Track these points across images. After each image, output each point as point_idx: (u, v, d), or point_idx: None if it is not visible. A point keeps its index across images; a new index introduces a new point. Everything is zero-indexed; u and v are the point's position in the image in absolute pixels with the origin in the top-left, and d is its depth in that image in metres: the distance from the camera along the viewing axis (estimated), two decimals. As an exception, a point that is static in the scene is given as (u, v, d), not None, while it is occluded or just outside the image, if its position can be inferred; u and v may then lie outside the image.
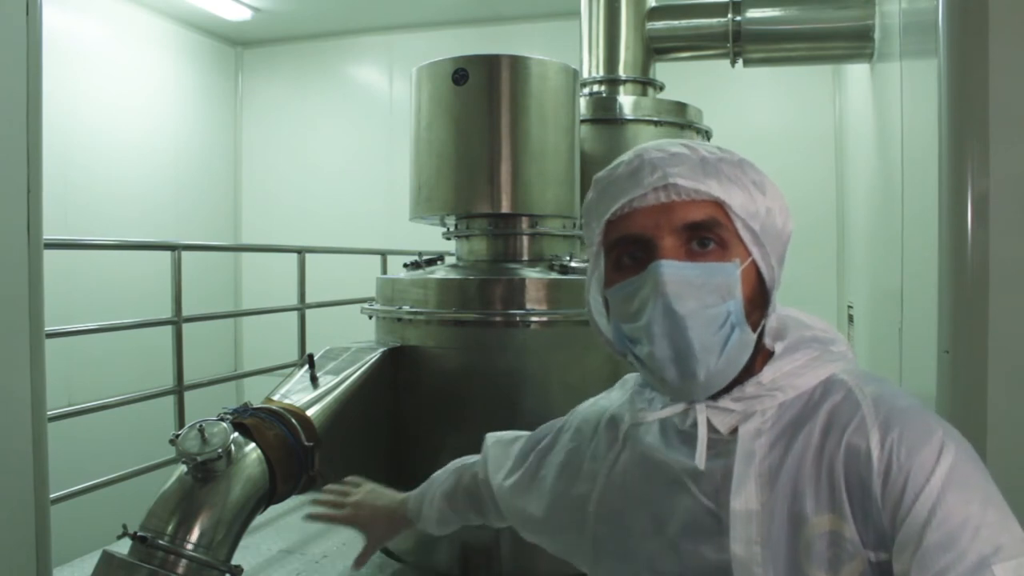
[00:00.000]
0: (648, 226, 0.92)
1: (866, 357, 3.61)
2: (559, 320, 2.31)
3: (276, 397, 2.07)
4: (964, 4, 1.89)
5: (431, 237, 3.06)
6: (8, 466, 1.81)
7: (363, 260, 4.97)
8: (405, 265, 2.65)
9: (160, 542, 1.58)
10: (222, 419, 1.80)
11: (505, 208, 2.43)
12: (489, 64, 2.44)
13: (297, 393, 2.09)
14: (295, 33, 6.72)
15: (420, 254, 2.69)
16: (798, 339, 0.97)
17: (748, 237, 0.93)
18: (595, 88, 3.45)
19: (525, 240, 2.57)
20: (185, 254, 3.17)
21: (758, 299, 0.95)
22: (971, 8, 1.87)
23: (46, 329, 1.92)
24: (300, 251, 3.97)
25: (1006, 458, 1.78)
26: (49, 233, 1.96)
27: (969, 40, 1.87)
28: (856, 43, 3.40)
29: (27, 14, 1.82)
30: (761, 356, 0.96)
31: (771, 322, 0.97)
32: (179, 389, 3.06)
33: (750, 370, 0.95)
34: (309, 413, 2.01)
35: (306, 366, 2.21)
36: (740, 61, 3.60)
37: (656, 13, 3.51)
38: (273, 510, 2.11)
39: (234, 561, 1.68)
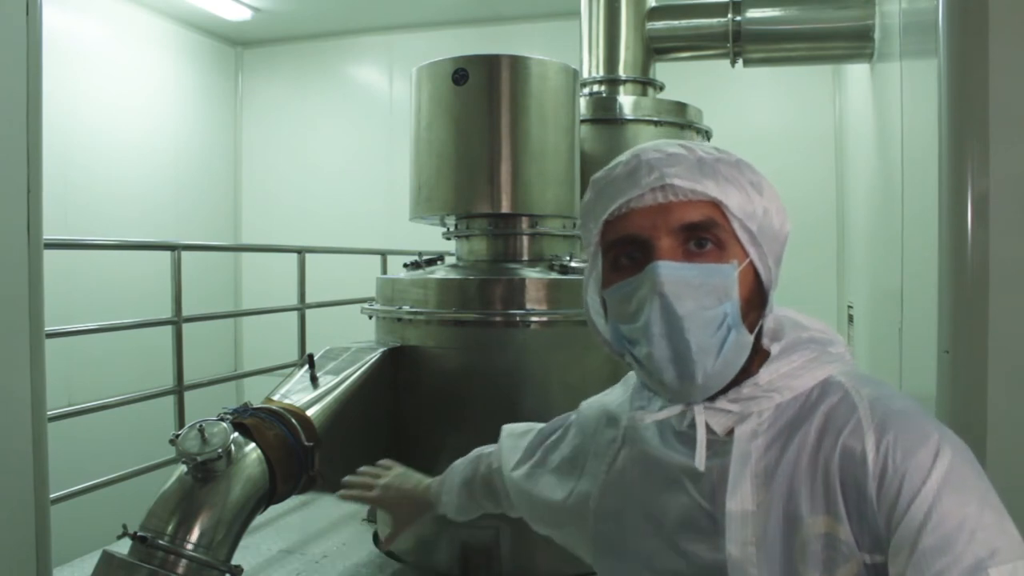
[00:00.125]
0: (645, 227, 0.92)
1: (866, 357, 3.61)
2: (559, 320, 2.31)
3: (276, 397, 2.07)
4: (964, 4, 1.89)
5: (431, 237, 3.07)
6: (8, 466, 1.81)
7: (363, 260, 4.97)
8: (405, 265, 2.65)
9: (160, 542, 1.58)
10: (222, 419, 1.80)
11: (505, 208, 2.43)
12: (489, 64, 2.44)
13: (297, 393, 2.09)
14: (295, 33, 6.72)
15: (420, 254, 2.69)
16: (795, 340, 0.97)
17: (745, 238, 0.93)
18: (595, 88, 3.45)
19: (525, 240, 2.57)
20: (185, 254, 3.17)
21: (755, 300, 0.95)
22: (971, 8, 1.87)
23: (46, 329, 1.92)
24: (300, 251, 3.97)
25: (1006, 458, 1.78)
26: (49, 233, 1.96)
27: (969, 40, 1.87)
28: (856, 43, 3.40)
29: (27, 14, 1.82)
30: (758, 357, 0.96)
31: (768, 323, 0.97)
32: (179, 389, 3.06)
33: (747, 371, 0.95)
34: (309, 413, 2.01)
35: (306, 366, 2.21)
36: (740, 61, 3.60)
37: (656, 13, 3.51)
38: (273, 510, 2.11)
39: (234, 561, 1.68)
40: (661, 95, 3.56)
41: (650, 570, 1.01)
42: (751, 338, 0.94)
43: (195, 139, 6.56)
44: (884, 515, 0.83)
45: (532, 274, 2.39)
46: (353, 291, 4.15)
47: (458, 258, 2.70)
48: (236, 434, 1.79)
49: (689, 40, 3.55)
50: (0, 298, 1.79)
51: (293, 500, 2.35)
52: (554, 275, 2.38)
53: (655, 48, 3.52)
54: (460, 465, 1.50)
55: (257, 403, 2.01)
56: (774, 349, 0.96)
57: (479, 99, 2.43)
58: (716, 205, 0.92)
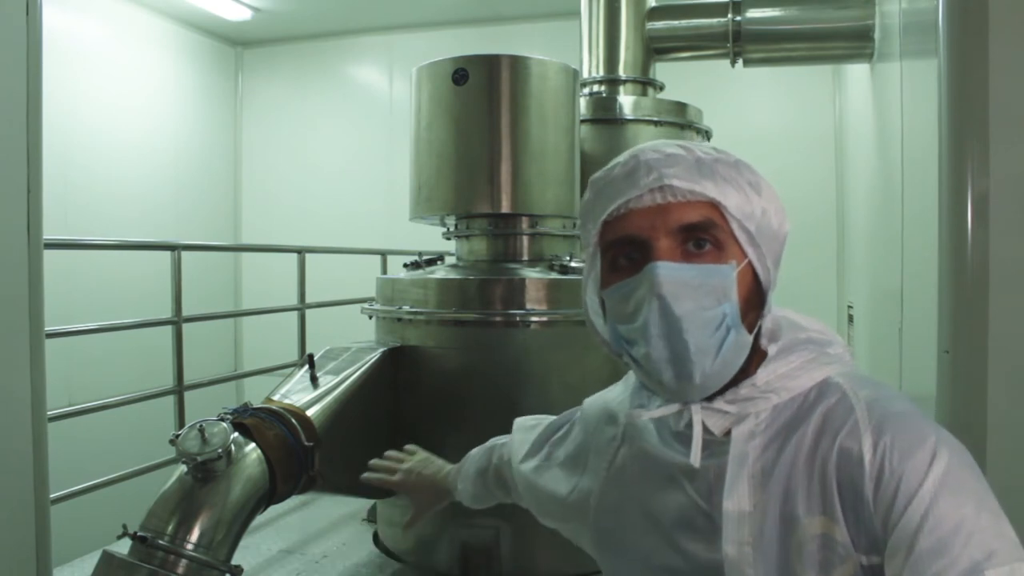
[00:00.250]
0: (644, 227, 0.92)
1: (866, 357, 3.61)
2: (559, 320, 2.31)
3: (276, 397, 2.07)
4: (964, 4, 1.89)
5: (431, 237, 3.07)
6: (8, 466, 1.81)
7: (363, 260, 4.97)
8: (405, 265, 2.65)
9: (160, 542, 1.58)
10: (222, 419, 1.80)
11: (505, 208, 2.43)
12: (489, 64, 2.44)
13: (297, 393, 2.09)
14: (295, 33, 6.72)
15: (420, 254, 2.69)
16: (793, 341, 0.97)
17: (744, 238, 0.93)
18: (595, 88, 3.45)
19: (525, 240, 2.57)
20: (185, 254, 3.17)
21: (754, 300, 0.95)
22: (971, 8, 1.87)
23: (46, 329, 1.92)
24: (300, 251, 3.97)
25: (1006, 458, 1.78)
26: (49, 233, 1.96)
27: (969, 40, 1.87)
28: (856, 43, 3.40)
29: (27, 14, 1.82)
30: (756, 358, 0.96)
31: (766, 323, 0.97)
32: (179, 389, 3.06)
33: (745, 372, 0.95)
34: (309, 413, 2.01)
35: (306, 366, 2.21)
36: (740, 61, 3.60)
37: (656, 13, 3.51)
38: (273, 510, 2.11)
39: (234, 561, 1.68)
40: (661, 95, 3.56)
41: (649, 567, 1.02)
42: (750, 338, 0.94)
43: (195, 139, 6.56)
44: (881, 517, 0.83)
45: (532, 274, 2.39)
46: (353, 291, 4.15)
47: (458, 258, 2.70)
48: (236, 434, 1.79)
49: (689, 40, 3.55)
50: (0, 298, 1.79)
51: (293, 500, 2.35)
52: (554, 275, 2.38)
53: (655, 48, 3.51)
54: (476, 454, 1.52)
55: (257, 403, 2.01)
56: (772, 350, 0.96)
57: (479, 99, 2.43)
58: (715, 206, 0.92)
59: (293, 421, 1.96)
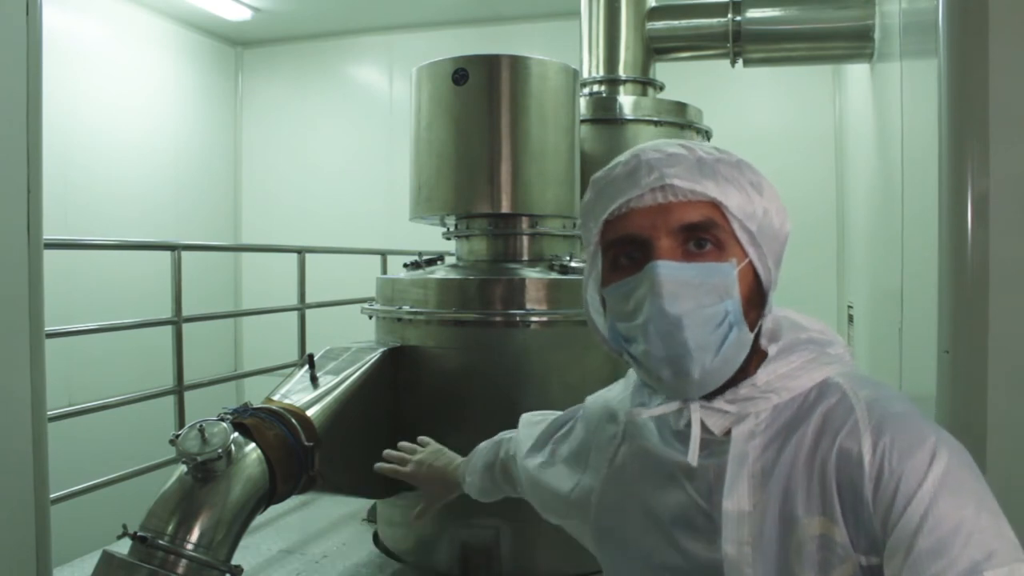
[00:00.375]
0: (645, 227, 0.93)
1: (866, 357, 3.61)
2: (559, 320, 2.31)
3: (276, 397, 2.07)
4: (964, 4, 1.89)
5: (431, 237, 3.07)
6: (8, 466, 1.81)
7: (363, 260, 4.97)
8: (405, 265, 2.65)
9: (160, 542, 1.58)
10: (222, 419, 1.80)
11: (505, 208, 2.43)
12: (489, 64, 2.44)
13: (297, 393, 2.09)
14: (295, 33, 6.72)
15: (420, 254, 2.69)
16: (793, 341, 0.97)
17: (745, 238, 0.93)
18: (595, 88, 3.45)
19: (525, 240, 2.57)
20: (185, 254, 3.17)
21: (755, 300, 0.95)
22: (971, 8, 1.87)
23: (46, 329, 1.92)
24: (300, 251, 3.97)
25: (1006, 458, 1.78)
26: (49, 233, 1.96)
27: (969, 40, 1.87)
28: (856, 43, 3.40)
29: (27, 14, 1.82)
30: (756, 358, 0.96)
31: (767, 323, 0.97)
32: (179, 389, 3.06)
33: (744, 371, 0.95)
34: (309, 413, 2.01)
35: (306, 366, 2.21)
36: (740, 61, 3.60)
37: (656, 13, 3.51)
38: (273, 510, 2.11)
39: (234, 561, 1.68)
40: (661, 95, 3.56)
41: (649, 566, 1.02)
42: (751, 336, 0.94)
43: (195, 139, 6.56)
44: (880, 517, 0.83)
45: (532, 274, 2.39)
46: (353, 291, 4.15)
47: (458, 258, 2.70)
48: (236, 434, 1.79)
49: (689, 40, 3.55)
50: (0, 298, 1.79)
51: (293, 500, 2.35)
52: (554, 275, 2.38)
53: (655, 48, 3.51)
54: (484, 447, 1.54)
55: (257, 403, 2.01)
56: (772, 350, 0.96)
57: (479, 99, 2.43)
58: (716, 205, 0.92)
59: (293, 421, 1.96)
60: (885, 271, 3.09)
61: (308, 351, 2.47)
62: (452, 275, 2.45)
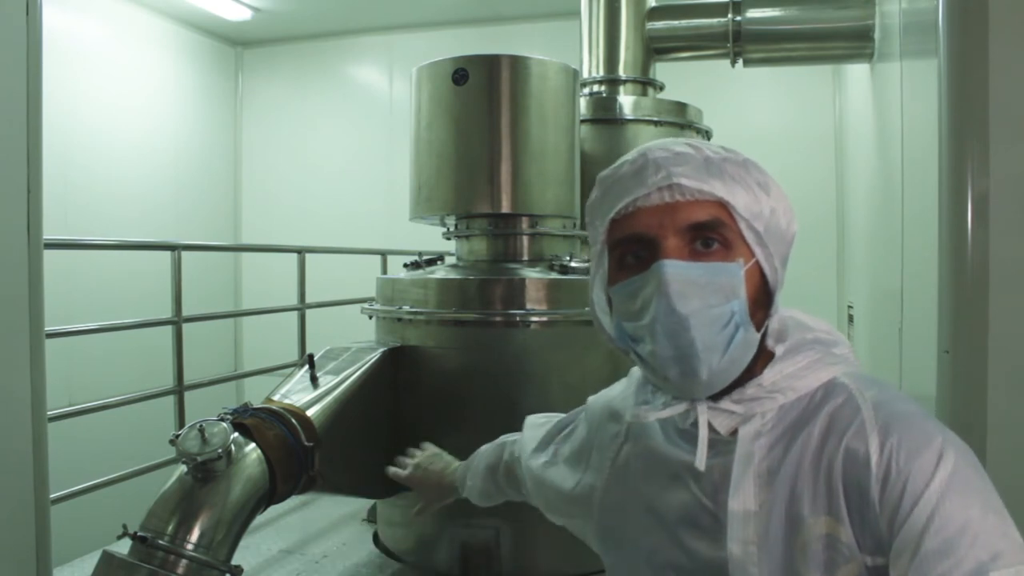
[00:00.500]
0: (652, 226, 0.92)
1: (866, 357, 3.61)
2: (559, 320, 2.31)
3: (276, 397, 2.07)
4: (964, 4, 1.89)
5: (431, 237, 3.06)
6: (8, 466, 1.81)
7: (363, 260, 4.97)
8: (405, 265, 2.65)
9: (160, 542, 1.58)
10: (222, 419, 1.80)
11: (505, 208, 2.43)
12: (489, 64, 2.44)
13: (297, 393, 2.09)
14: (295, 33, 6.72)
15: (420, 254, 2.69)
16: (799, 341, 0.97)
17: (752, 238, 0.93)
18: (595, 88, 3.45)
19: (525, 240, 2.57)
20: (185, 254, 3.17)
21: (761, 299, 0.95)
22: (971, 8, 1.87)
23: (46, 329, 1.92)
24: (300, 251, 3.97)
25: (1006, 458, 1.78)
26: (49, 233, 1.96)
27: (969, 40, 1.87)
28: (856, 43, 3.40)
29: (27, 14, 1.82)
30: (762, 358, 0.96)
31: (773, 324, 0.97)
32: (179, 389, 3.06)
33: (751, 372, 0.95)
34: (309, 413, 2.01)
35: (306, 366, 2.21)
36: (740, 61, 3.60)
37: (656, 13, 3.51)
38: (273, 510, 2.11)
39: (234, 561, 1.68)
40: (661, 95, 3.56)
41: (652, 565, 1.02)
42: (758, 336, 0.94)
43: (195, 139, 6.56)
44: (887, 518, 0.83)
45: (532, 274, 2.39)
46: (353, 291, 4.15)
47: (458, 258, 2.70)
48: (236, 434, 1.79)
49: (689, 40, 3.55)
50: (0, 298, 1.79)
51: (293, 500, 2.34)
52: (554, 275, 2.38)
53: (655, 48, 3.51)
54: (486, 450, 1.54)
55: (257, 403, 2.01)
56: (778, 350, 0.96)
57: (479, 99, 2.42)
58: (723, 205, 0.92)
59: (293, 421, 1.96)
60: (885, 271, 3.09)
61: (308, 351, 2.47)
62: (452, 275, 2.45)
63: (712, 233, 0.92)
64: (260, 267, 6.66)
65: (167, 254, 3.15)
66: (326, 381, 2.16)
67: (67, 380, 4.56)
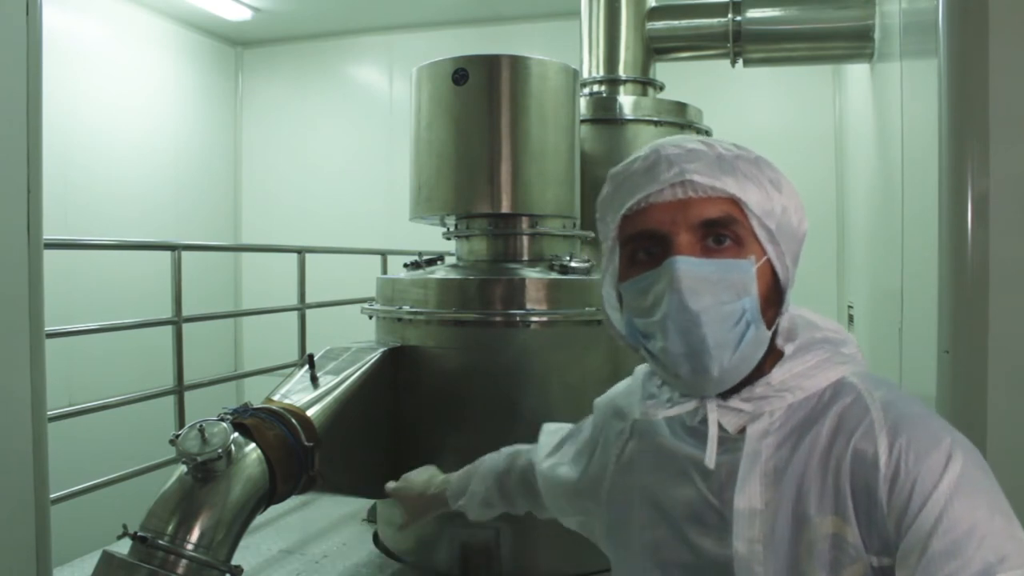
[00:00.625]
0: (664, 222, 0.92)
1: (866, 357, 3.59)
2: (559, 320, 2.31)
3: (276, 397, 2.07)
4: (964, 4, 1.89)
5: (431, 237, 3.07)
6: (8, 466, 1.81)
7: (363, 260, 4.97)
8: (405, 265, 2.65)
9: (160, 542, 1.58)
10: (222, 419, 1.80)
11: (505, 208, 2.43)
12: (489, 64, 2.44)
13: (297, 393, 2.09)
14: (295, 33, 6.71)
15: (420, 254, 2.69)
16: (808, 340, 0.97)
17: (764, 235, 0.93)
18: (595, 88, 3.45)
19: (525, 240, 2.57)
20: (185, 254, 3.17)
21: (772, 297, 0.95)
22: (971, 8, 1.87)
23: (46, 329, 1.92)
24: (300, 251, 3.97)
25: (1006, 458, 1.78)
26: (49, 233, 1.96)
27: (969, 40, 1.87)
28: (856, 43, 3.40)
29: (27, 14, 1.82)
30: (771, 357, 0.96)
31: (783, 322, 0.97)
32: (179, 389, 3.06)
33: (760, 370, 0.95)
34: (309, 413, 2.01)
35: (306, 366, 2.21)
36: (740, 61, 3.60)
37: (656, 13, 3.51)
38: (273, 510, 2.11)
39: (234, 561, 1.68)
40: (661, 95, 3.56)
41: (657, 562, 1.02)
42: (769, 334, 0.94)
43: (195, 139, 6.56)
44: (894, 518, 0.83)
45: (532, 274, 2.39)
46: (353, 291, 4.15)
47: (458, 258, 2.70)
48: (236, 434, 1.79)
49: (689, 40, 3.55)
50: (0, 298, 1.79)
51: (293, 500, 2.34)
52: (554, 275, 2.38)
53: (655, 48, 3.51)
54: (493, 458, 1.51)
55: (257, 403, 2.01)
56: (788, 349, 0.96)
57: (479, 99, 2.43)
58: (735, 202, 0.92)
59: (293, 421, 1.96)
60: (885, 271, 3.09)
61: (308, 351, 2.47)
62: (452, 275, 2.45)
63: (724, 230, 0.92)
64: (260, 267, 6.66)
65: (167, 254, 3.15)
66: (326, 381, 2.16)
67: (67, 380, 4.56)
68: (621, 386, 1.22)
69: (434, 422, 2.36)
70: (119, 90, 5.77)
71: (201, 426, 1.72)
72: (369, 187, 6.50)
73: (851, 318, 4.49)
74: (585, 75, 3.46)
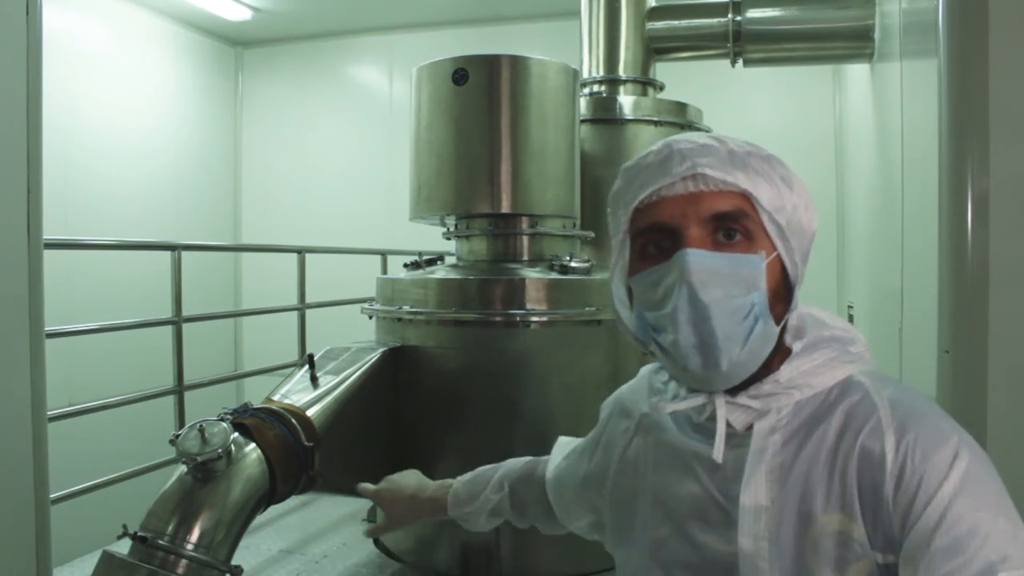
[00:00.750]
0: (675, 215, 0.93)
1: (866, 357, 3.60)
2: (559, 320, 2.31)
3: (276, 397, 2.07)
4: (964, 4, 1.89)
5: (431, 237, 3.06)
6: (8, 466, 1.81)
7: (363, 260, 4.97)
8: (405, 265, 2.65)
9: (160, 542, 1.58)
10: (222, 419, 1.80)
11: (505, 208, 2.43)
12: (489, 64, 2.44)
13: (297, 393, 2.09)
14: (295, 33, 6.72)
15: (420, 254, 2.69)
16: (817, 338, 0.98)
17: (774, 231, 0.94)
18: (595, 88, 3.45)
19: (525, 240, 2.57)
20: (185, 254, 3.16)
21: (781, 294, 0.95)
22: (971, 8, 1.87)
23: (46, 329, 1.92)
24: (300, 251, 3.97)
25: (1006, 458, 1.77)
26: (49, 233, 1.96)
27: (969, 40, 1.87)
28: (856, 43, 3.40)
29: (27, 14, 1.82)
30: (779, 354, 0.97)
31: (792, 320, 0.98)
32: (179, 389, 3.06)
33: (768, 367, 0.95)
34: (309, 413, 2.01)
35: (306, 366, 2.21)
36: (740, 61, 3.60)
37: (656, 13, 3.51)
38: (273, 510, 2.11)
39: (234, 561, 1.68)
40: (661, 95, 3.56)
41: (660, 560, 1.02)
42: (777, 330, 0.94)
43: (195, 139, 6.56)
44: (899, 515, 0.84)
45: (532, 274, 2.39)
46: (353, 291, 4.14)
47: (458, 258, 2.70)
48: (236, 434, 1.79)
49: (689, 40, 3.55)
50: (0, 298, 1.79)
51: (293, 500, 2.34)
52: (554, 275, 2.38)
53: (655, 48, 3.51)
54: (509, 466, 1.48)
55: (257, 403, 2.01)
56: (796, 347, 0.97)
57: (479, 99, 2.42)
58: (746, 197, 0.93)
59: (293, 421, 1.96)
60: (885, 271, 3.09)
61: (308, 351, 2.47)
62: (452, 275, 2.45)
63: (735, 224, 0.92)
64: (260, 267, 6.66)
65: (167, 254, 3.15)
66: (326, 381, 2.16)
67: (67, 380, 4.56)
68: (626, 386, 1.22)
69: (434, 422, 2.36)
70: (119, 90, 5.77)
71: (201, 426, 1.72)
72: (369, 187, 6.50)
73: (851, 318, 4.49)
74: (585, 75, 3.46)
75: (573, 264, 2.41)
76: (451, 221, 2.65)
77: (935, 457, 0.84)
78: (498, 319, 2.31)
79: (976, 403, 1.84)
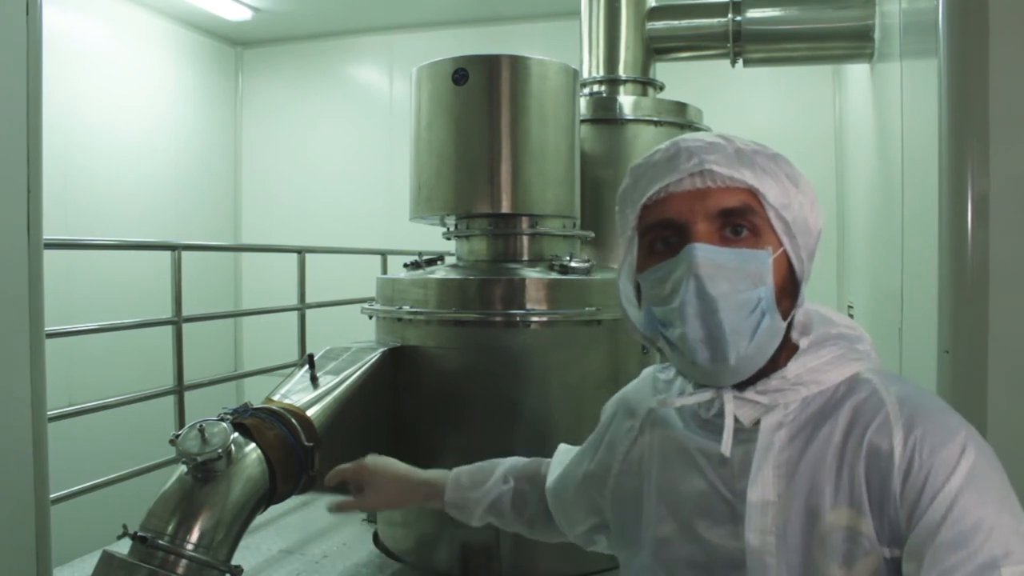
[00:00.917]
0: (683, 211, 0.94)
1: (866, 357, 3.60)
2: (559, 320, 2.31)
3: (276, 397, 2.07)
4: (964, 4, 1.89)
5: (431, 237, 3.06)
6: (8, 466, 1.81)
7: (363, 260, 4.97)
8: (405, 265, 2.65)
9: (160, 542, 1.58)
10: (222, 419, 1.80)
11: (505, 208, 2.43)
12: (489, 64, 2.43)
13: (297, 393, 2.09)
14: (295, 33, 6.72)
15: (420, 254, 2.69)
16: (824, 335, 0.98)
17: (780, 227, 0.95)
18: (595, 88, 3.45)
19: (525, 240, 2.57)
20: (185, 254, 3.16)
21: (788, 290, 0.96)
22: (971, 8, 1.87)
23: (46, 329, 1.92)
24: (300, 251, 3.97)
25: (1006, 458, 1.77)
26: (49, 233, 1.96)
27: (969, 40, 1.87)
28: (856, 43, 3.40)
29: (27, 14, 1.82)
30: (786, 351, 0.97)
31: (798, 317, 0.98)
32: (179, 389, 3.06)
33: (775, 363, 0.96)
34: (309, 413, 2.00)
35: (306, 366, 2.21)
36: (740, 61, 3.60)
37: (656, 13, 3.51)
38: (273, 510, 2.11)
39: (234, 561, 1.68)
40: (661, 95, 3.56)
41: (664, 559, 1.02)
42: (783, 325, 0.95)
43: (195, 139, 6.56)
44: (906, 510, 0.84)
45: (532, 274, 2.39)
46: (353, 291, 4.15)
47: (458, 258, 2.70)
48: (236, 434, 1.78)
49: (689, 40, 3.55)
50: (0, 298, 1.79)
51: (293, 500, 2.34)
52: (554, 275, 2.38)
53: (655, 48, 3.51)
54: (513, 462, 1.46)
55: (257, 403, 2.01)
56: (803, 343, 0.98)
57: (479, 99, 2.42)
58: (753, 194, 0.94)
59: (293, 421, 1.96)
60: (885, 271, 3.09)
61: (308, 351, 2.47)
62: (452, 275, 2.45)
63: (742, 220, 0.93)
64: (260, 267, 6.66)
65: (167, 254, 3.15)
66: (326, 381, 2.16)
67: (67, 380, 4.56)
68: (630, 386, 1.23)
69: (434, 422, 2.36)
70: (119, 90, 5.78)
71: (201, 426, 1.72)
72: (369, 187, 6.50)
73: (851, 318, 4.49)
74: (585, 75, 3.46)
75: (573, 264, 2.41)
76: (451, 221, 2.65)
77: (943, 452, 0.85)
78: (498, 319, 2.31)
79: (976, 403, 1.84)
